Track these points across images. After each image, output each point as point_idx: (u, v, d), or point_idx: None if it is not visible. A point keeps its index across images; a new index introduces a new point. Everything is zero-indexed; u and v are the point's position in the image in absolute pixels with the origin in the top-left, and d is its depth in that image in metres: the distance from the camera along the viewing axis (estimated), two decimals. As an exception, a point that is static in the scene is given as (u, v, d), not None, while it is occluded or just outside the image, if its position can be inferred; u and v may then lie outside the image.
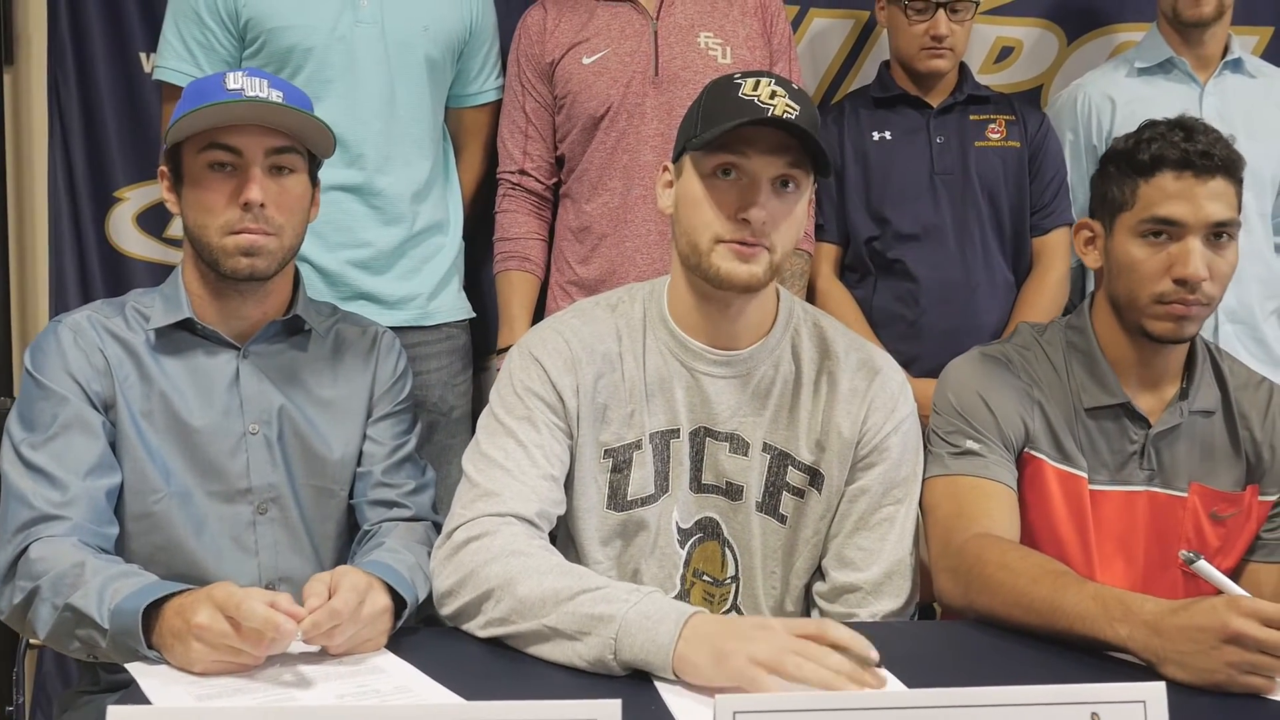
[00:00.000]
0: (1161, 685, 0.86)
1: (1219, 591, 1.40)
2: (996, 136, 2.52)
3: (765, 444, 1.61)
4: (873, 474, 1.61)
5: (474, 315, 2.44)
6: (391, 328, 2.21)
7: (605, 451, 1.59)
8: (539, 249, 2.40)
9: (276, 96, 1.60)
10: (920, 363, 2.32)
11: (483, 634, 1.39)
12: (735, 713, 0.80)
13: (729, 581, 1.64)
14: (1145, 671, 1.30)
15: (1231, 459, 1.74)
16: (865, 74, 2.72)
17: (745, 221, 1.50)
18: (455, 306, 2.39)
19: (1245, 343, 2.46)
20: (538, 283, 2.40)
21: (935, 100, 2.52)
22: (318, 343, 1.74)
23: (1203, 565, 1.41)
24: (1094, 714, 0.85)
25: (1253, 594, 1.73)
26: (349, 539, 1.73)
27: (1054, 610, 1.39)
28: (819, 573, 1.65)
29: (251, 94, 1.57)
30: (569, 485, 1.59)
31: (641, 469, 1.60)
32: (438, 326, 2.34)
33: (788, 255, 1.58)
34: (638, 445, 1.60)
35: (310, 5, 2.19)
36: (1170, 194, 1.62)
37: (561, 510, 1.57)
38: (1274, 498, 1.75)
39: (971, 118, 2.53)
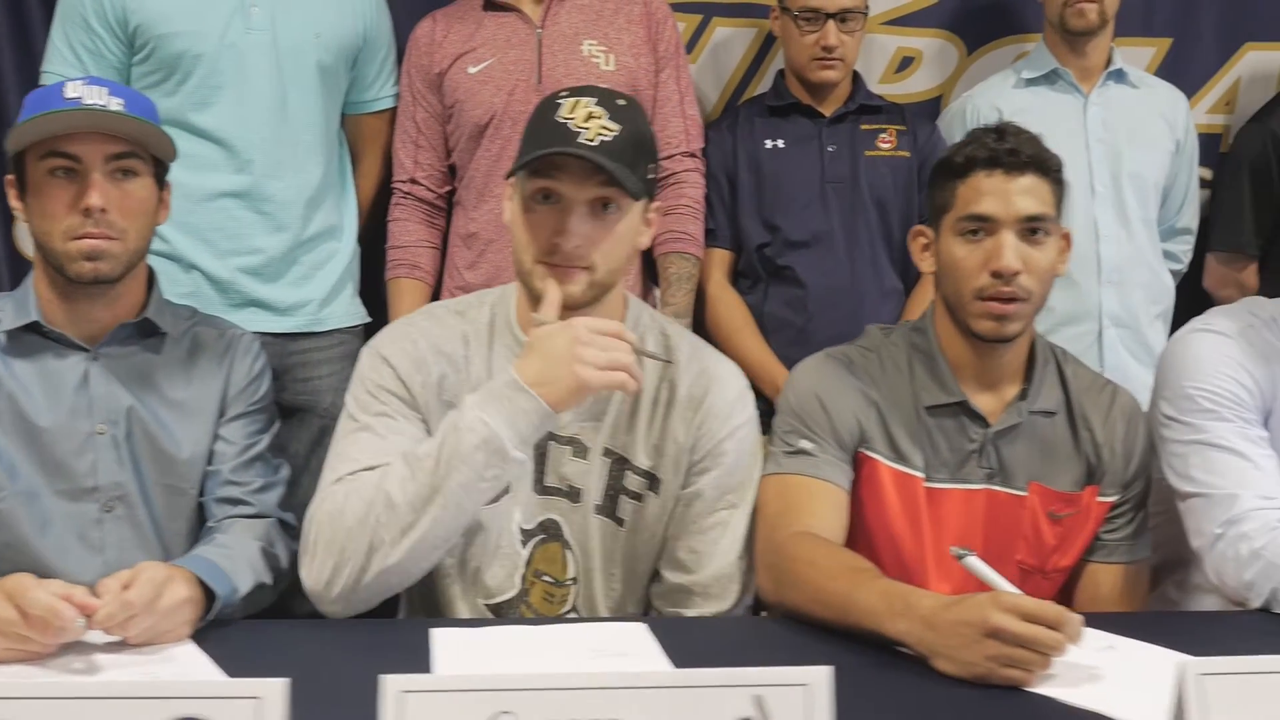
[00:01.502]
0: (826, 670, 0.89)
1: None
2: (887, 146, 2.56)
3: (605, 448, 1.65)
4: (707, 479, 1.65)
5: (369, 320, 2.47)
6: (283, 334, 2.29)
7: None
8: (429, 257, 2.44)
9: (117, 105, 1.64)
10: (809, 369, 2.36)
11: (396, 565, 1.48)
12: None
13: (569, 582, 1.67)
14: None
15: (1071, 460, 1.77)
16: (768, 83, 2.75)
17: (556, 244, 1.55)
18: (349, 312, 2.42)
19: (1130, 347, 2.49)
20: (428, 290, 2.44)
21: (828, 109, 2.56)
22: (172, 345, 1.77)
23: (972, 561, 1.43)
24: (757, 697, 0.88)
25: (1091, 594, 1.79)
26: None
27: (846, 606, 1.42)
28: (658, 574, 1.69)
29: (90, 102, 1.61)
30: None
31: None
32: (330, 333, 2.37)
33: (617, 271, 1.61)
34: None
35: (200, 12, 2.22)
36: (983, 191, 1.67)
37: None
38: (1113, 499, 1.78)
39: (863, 127, 2.57)
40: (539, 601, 1.66)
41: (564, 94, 1.59)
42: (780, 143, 2.54)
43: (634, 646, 1.37)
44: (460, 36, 2.38)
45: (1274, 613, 1.58)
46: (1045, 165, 1.70)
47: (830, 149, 2.54)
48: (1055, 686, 1.26)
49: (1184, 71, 2.83)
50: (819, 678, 0.88)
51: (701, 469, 1.65)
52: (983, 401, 1.75)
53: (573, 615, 1.66)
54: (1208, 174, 2.80)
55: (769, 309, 2.53)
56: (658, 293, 2.51)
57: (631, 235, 1.62)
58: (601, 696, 0.86)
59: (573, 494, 1.65)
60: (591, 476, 1.64)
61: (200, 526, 1.76)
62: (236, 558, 1.56)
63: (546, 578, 1.66)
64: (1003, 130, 1.71)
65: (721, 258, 2.57)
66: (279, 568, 1.66)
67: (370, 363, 1.64)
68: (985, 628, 1.27)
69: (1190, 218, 2.69)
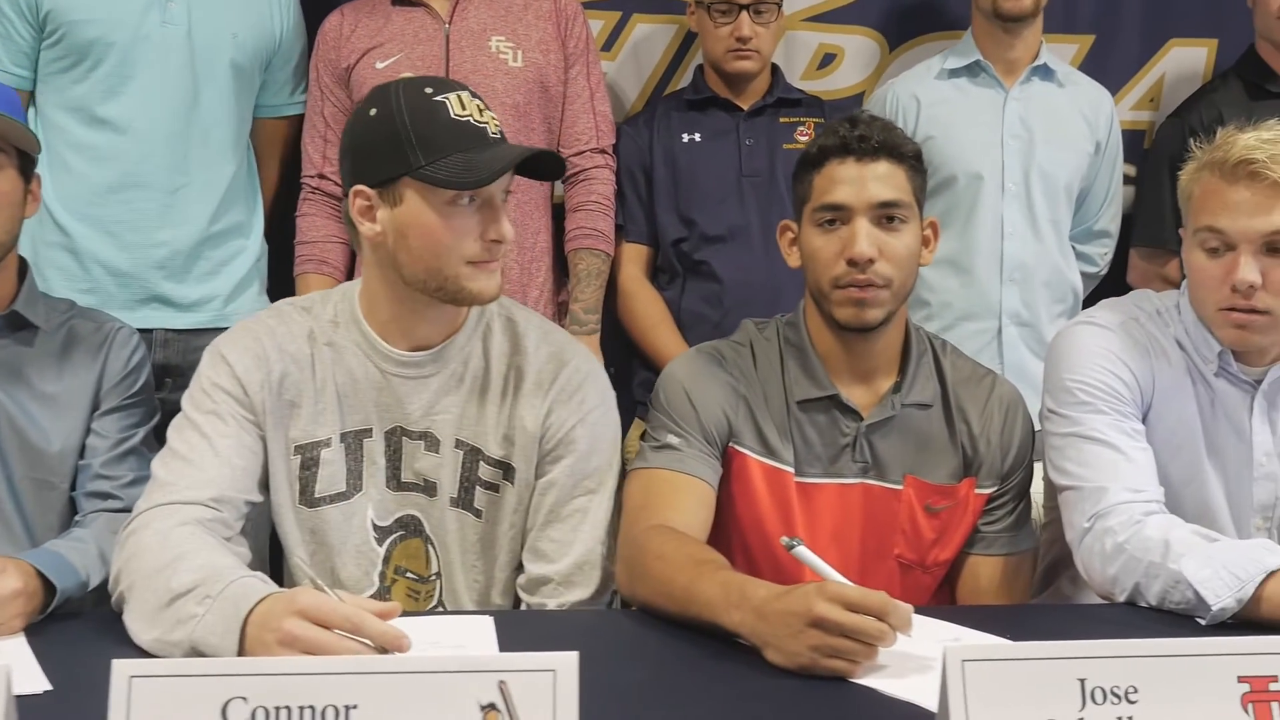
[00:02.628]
0: (573, 655, 0.88)
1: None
2: (805, 139, 2.54)
3: (457, 440, 1.63)
4: (561, 466, 1.63)
5: (276, 317, 2.46)
6: (187, 330, 2.27)
7: (295, 448, 1.61)
8: (338, 252, 2.43)
9: None
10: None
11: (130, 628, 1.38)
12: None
13: (433, 578, 1.66)
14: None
15: (947, 452, 1.75)
16: (690, 79, 2.74)
17: (495, 242, 1.56)
18: (255, 309, 2.40)
19: (1030, 345, 2.48)
20: (336, 285, 2.43)
21: (746, 103, 2.55)
22: (45, 338, 1.76)
23: (801, 551, 1.42)
24: (502, 683, 0.87)
25: (971, 586, 1.78)
26: None
27: (689, 598, 1.41)
28: (521, 565, 1.67)
29: (-55, 98, 1.61)
30: (267, 483, 1.61)
31: (330, 466, 1.62)
32: (235, 329, 2.37)
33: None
34: (326, 443, 1.62)
35: (115, 1, 2.21)
36: (837, 180, 1.67)
37: (252, 496, 1.58)
38: (990, 490, 1.76)
39: (781, 120, 2.56)
40: (402, 598, 1.65)
41: (431, 90, 1.56)
42: (697, 136, 2.54)
43: (472, 639, 1.36)
44: (368, 31, 2.38)
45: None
46: (899, 151, 1.68)
47: (748, 142, 2.53)
48: (881, 678, 1.25)
49: (1108, 68, 2.82)
50: (565, 663, 0.87)
51: (554, 457, 1.64)
52: (855, 395, 1.73)
53: (440, 611, 1.65)
54: (1132, 170, 2.78)
55: (686, 304, 2.52)
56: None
57: None
58: (337, 682, 0.85)
59: (429, 488, 1.64)
60: (445, 469, 1.63)
61: (71, 513, 1.74)
62: (89, 551, 1.55)
63: (410, 574, 1.65)
64: (855, 118, 1.71)
65: (637, 253, 2.56)
66: None
67: (208, 359, 1.63)
68: (809, 617, 1.25)
69: (1110, 220, 2.67)
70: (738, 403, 1.72)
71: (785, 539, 1.43)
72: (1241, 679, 0.92)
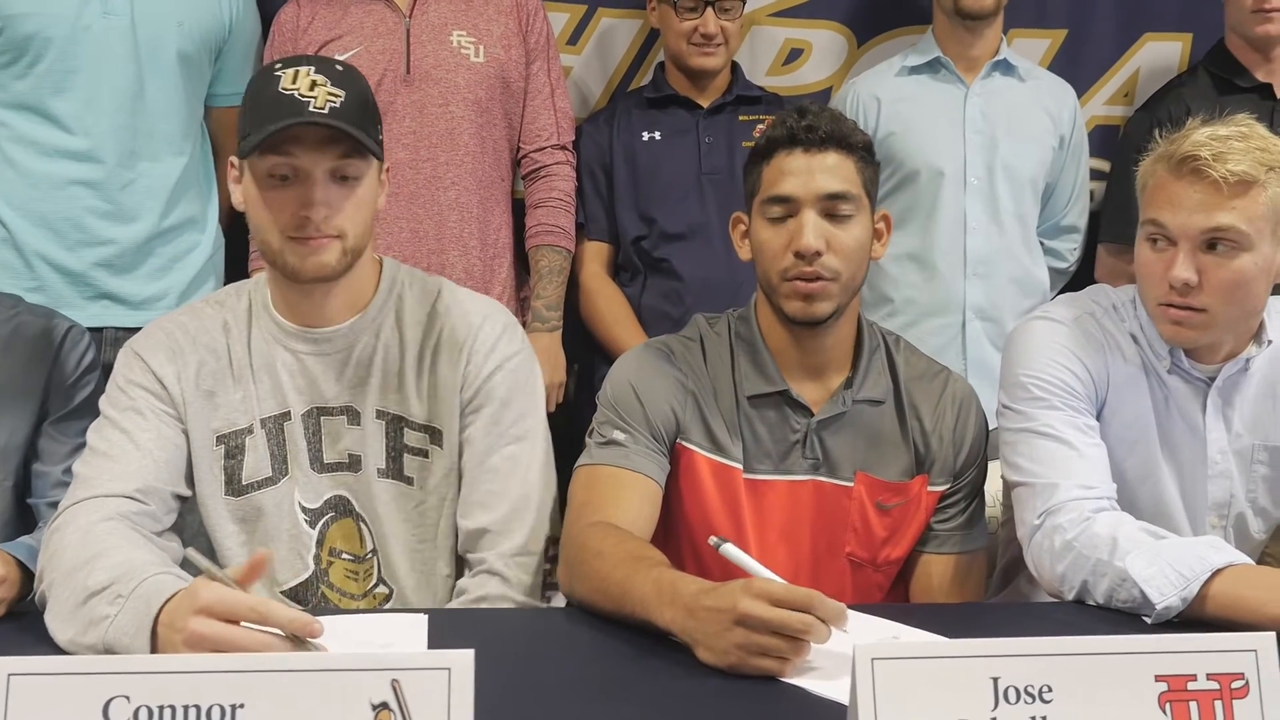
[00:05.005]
0: (468, 654, 0.85)
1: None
2: (764, 137, 2.53)
3: (378, 411, 1.63)
4: (483, 415, 1.62)
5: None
6: (138, 329, 2.23)
7: (218, 438, 1.61)
8: (294, 246, 2.40)
9: None
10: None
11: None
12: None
13: (369, 556, 1.64)
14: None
15: (899, 449, 1.73)
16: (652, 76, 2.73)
17: (305, 217, 1.53)
18: (212, 305, 2.39)
19: (994, 340, 2.46)
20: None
21: (706, 101, 2.54)
22: None
23: (729, 549, 1.39)
24: (395, 681, 0.84)
25: (924, 585, 1.76)
26: (18, 527, 1.73)
27: (624, 595, 1.38)
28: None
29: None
30: (191, 475, 1.60)
31: (254, 453, 1.61)
32: (189, 326, 2.34)
33: (365, 235, 1.60)
34: (249, 430, 1.61)
35: None
36: (785, 171, 1.64)
37: (179, 489, 1.57)
38: (943, 488, 1.74)
39: (740, 118, 2.55)
40: (341, 580, 1.64)
41: (279, 66, 1.56)
42: (657, 134, 2.52)
43: (401, 639, 1.33)
44: (326, 23, 2.36)
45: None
46: (848, 142, 1.66)
47: (707, 140, 2.51)
48: (810, 678, 1.22)
49: (1081, 63, 2.81)
50: (461, 661, 0.85)
51: (475, 407, 1.63)
52: (806, 390, 1.71)
53: (381, 589, 1.64)
54: (1106, 166, 2.76)
55: (647, 301, 2.50)
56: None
57: (373, 198, 1.61)
58: (222, 680, 0.82)
59: (354, 463, 1.63)
60: (370, 442, 1.62)
61: (16, 510, 1.72)
62: None
63: (345, 555, 1.64)
64: (804, 109, 1.67)
65: (598, 250, 2.54)
66: None
67: (123, 358, 1.62)
68: (734, 614, 1.23)
69: (1077, 215, 2.65)
70: (685, 398, 1.70)
71: (712, 538, 1.41)
72: (1159, 678, 0.90)
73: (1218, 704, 0.89)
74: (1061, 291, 2.66)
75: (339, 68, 1.56)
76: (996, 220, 2.49)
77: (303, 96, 1.50)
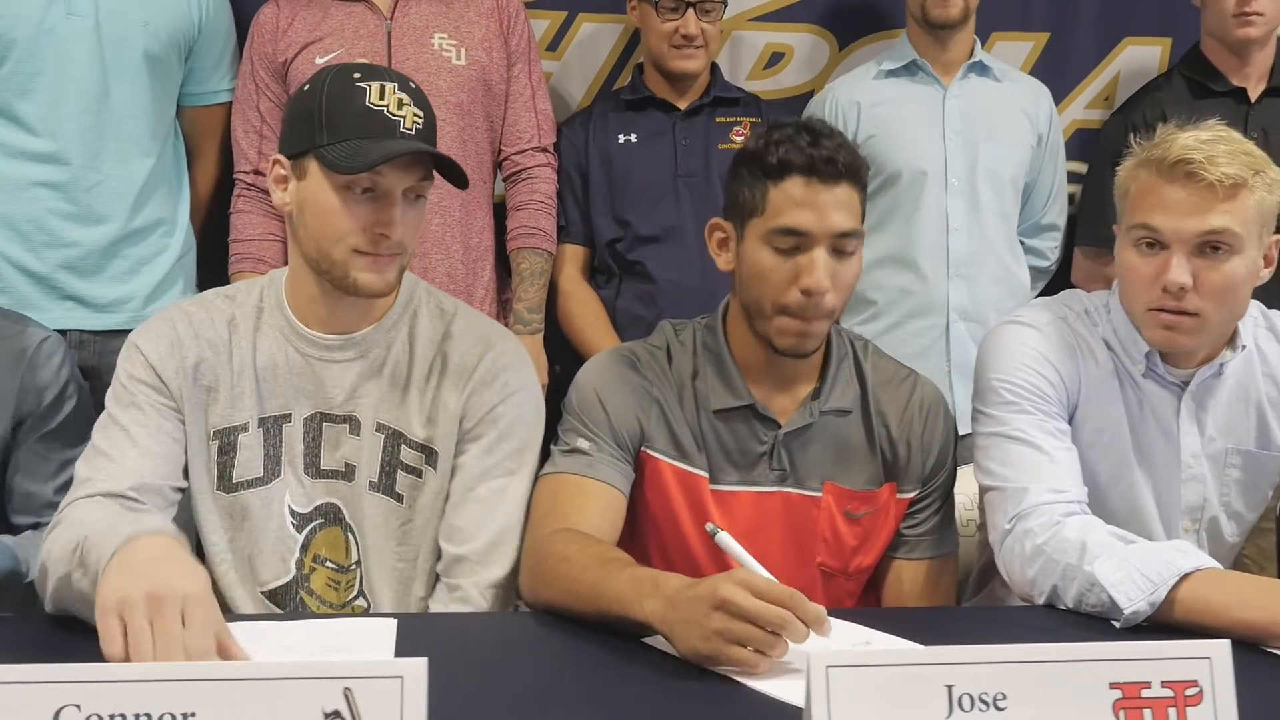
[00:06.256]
0: (421, 662, 0.85)
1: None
2: (740, 139, 2.53)
3: (379, 424, 1.63)
4: (480, 444, 1.62)
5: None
6: (104, 331, 2.23)
7: (213, 433, 1.61)
8: (274, 250, 2.39)
9: None
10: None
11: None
12: None
13: (353, 567, 1.64)
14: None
15: (866, 457, 1.72)
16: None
17: (382, 235, 1.54)
18: (179, 309, 2.38)
19: (978, 340, 2.44)
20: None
21: (684, 103, 2.54)
22: None
23: (724, 538, 1.40)
24: (347, 689, 0.84)
25: (895, 590, 1.76)
26: None
27: (598, 595, 1.38)
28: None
29: None
30: (187, 468, 1.61)
31: (247, 451, 1.61)
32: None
33: (415, 251, 1.63)
34: (244, 428, 1.61)
35: None
36: (797, 201, 1.58)
37: (177, 482, 1.59)
38: (912, 494, 1.74)
39: (717, 120, 2.55)
40: (322, 588, 1.64)
41: (358, 75, 1.56)
42: (633, 137, 2.52)
43: (368, 643, 1.33)
44: (306, 25, 2.35)
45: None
46: (859, 175, 1.61)
47: (683, 142, 2.52)
48: (773, 682, 1.22)
49: (1062, 66, 2.82)
50: (413, 670, 0.85)
51: (474, 435, 1.63)
52: (773, 402, 1.69)
53: (360, 602, 1.64)
54: (1085, 168, 2.77)
55: (621, 304, 2.51)
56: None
57: (423, 216, 1.64)
58: (174, 689, 0.82)
59: (349, 472, 1.63)
60: (365, 453, 1.62)
61: None
62: (29, 545, 1.57)
63: (329, 563, 1.64)
64: (817, 132, 1.60)
65: (575, 253, 2.54)
66: None
67: (125, 352, 1.62)
68: (714, 600, 1.23)
69: (1057, 214, 2.66)
70: (650, 406, 1.68)
71: (710, 525, 1.42)
72: (1114, 685, 0.90)
73: (1171, 711, 0.90)
74: (1044, 290, 2.67)
75: (412, 85, 1.58)
76: (978, 220, 2.50)
77: (392, 115, 1.52)
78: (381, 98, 1.54)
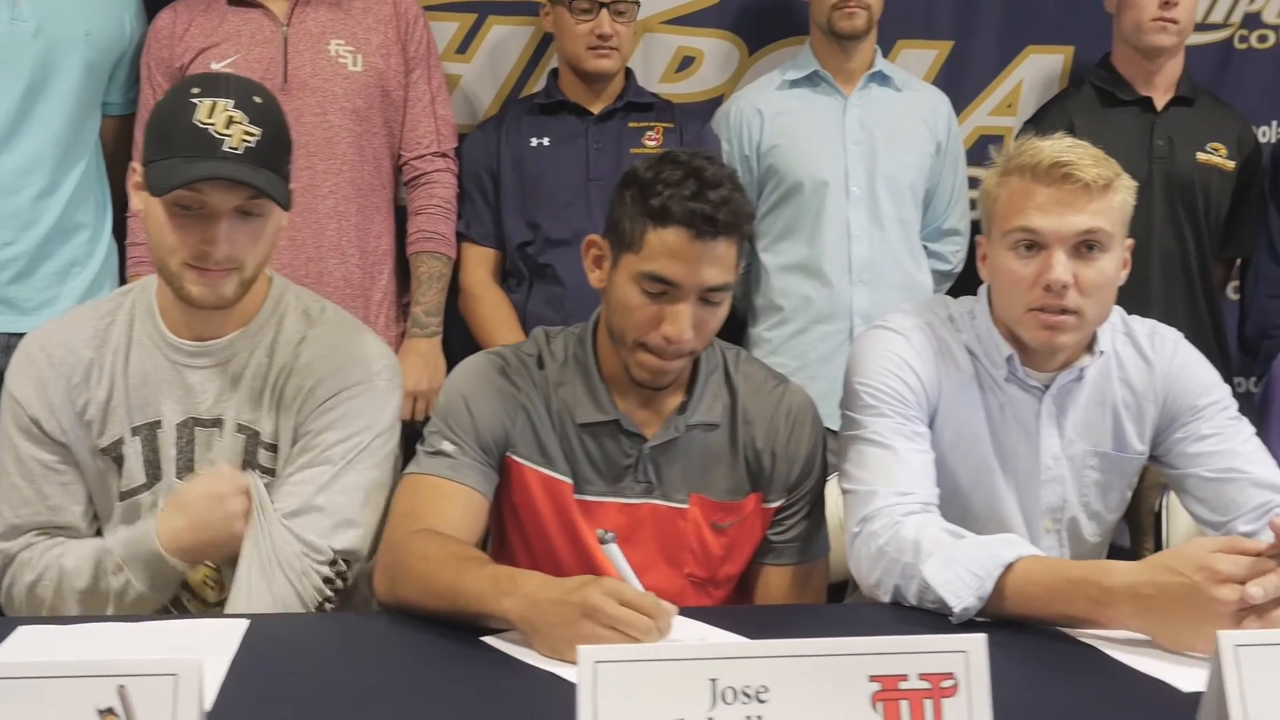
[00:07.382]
0: (196, 661, 0.87)
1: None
2: (653, 144, 2.56)
3: (239, 425, 1.66)
4: (306, 440, 1.65)
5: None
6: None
7: (99, 451, 1.66)
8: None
9: None
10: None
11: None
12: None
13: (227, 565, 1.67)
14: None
15: (731, 469, 1.73)
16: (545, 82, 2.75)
17: (207, 253, 1.55)
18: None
19: (880, 343, 2.51)
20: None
21: (597, 107, 2.57)
22: None
23: (611, 549, 1.43)
24: (121, 687, 0.87)
25: (764, 595, 1.78)
26: None
27: (455, 592, 1.41)
28: None
29: None
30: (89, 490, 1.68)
31: (130, 461, 1.65)
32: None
33: (263, 263, 1.64)
34: (123, 440, 1.65)
35: None
36: (673, 251, 1.57)
37: (77, 510, 1.67)
38: (778, 503, 1.76)
39: (630, 125, 2.58)
40: (200, 586, 1.69)
41: (196, 91, 1.56)
42: (546, 141, 2.55)
43: (211, 643, 1.35)
44: (203, 30, 2.37)
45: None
46: (739, 228, 1.61)
47: (596, 147, 2.54)
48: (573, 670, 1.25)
49: (966, 74, 2.87)
50: (188, 669, 0.87)
51: (305, 430, 1.65)
52: (639, 416, 1.70)
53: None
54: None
55: (531, 308, 2.53)
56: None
57: (275, 227, 1.64)
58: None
59: None
60: (228, 454, 1.66)
61: None
62: None
63: (207, 562, 1.67)
64: (704, 183, 1.57)
65: (484, 256, 2.57)
66: None
67: (4, 398, 1.68)
68: (583, 607, 1.28)
69: (958, 219, 2.70)
70: (517, 413, 1.69)
71: (600, 531, 1.46)
72: (873, 678, 0.93)
73: (927, 703, 0.93)
74: (950, 292, 2.71)
75: (257, 99, 1.57)
76: (880, 227, 2.54)
77: (218, 134, 1.52)
78: (210, 115, 1.53)
